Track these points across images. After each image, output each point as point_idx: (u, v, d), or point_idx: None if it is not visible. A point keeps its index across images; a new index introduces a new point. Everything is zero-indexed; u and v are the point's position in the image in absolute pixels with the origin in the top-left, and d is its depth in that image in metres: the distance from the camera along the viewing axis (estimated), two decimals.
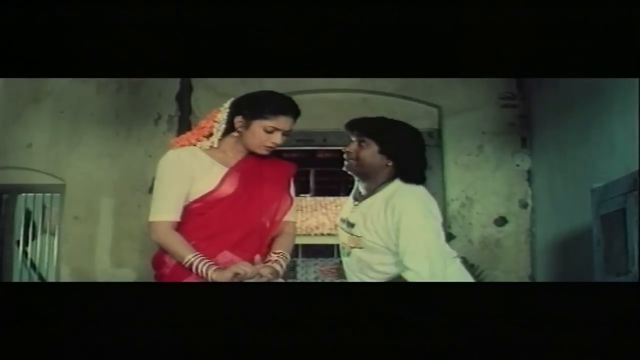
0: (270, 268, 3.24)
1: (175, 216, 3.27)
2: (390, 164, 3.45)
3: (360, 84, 6.40)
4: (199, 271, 3.16)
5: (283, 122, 3.28)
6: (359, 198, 3.54)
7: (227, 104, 3.35)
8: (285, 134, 3.32)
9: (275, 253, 3.34)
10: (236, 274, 3.14)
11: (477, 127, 6.48)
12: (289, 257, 3.37)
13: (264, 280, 3.20)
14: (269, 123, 3.26)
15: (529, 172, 6.39)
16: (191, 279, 3.20)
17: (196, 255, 3.19)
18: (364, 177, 3.51)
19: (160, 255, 3.32)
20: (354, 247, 3.46)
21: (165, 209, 3.28)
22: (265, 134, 3.27)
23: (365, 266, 3.44)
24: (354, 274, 3.51)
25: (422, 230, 3.33)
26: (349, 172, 3.54)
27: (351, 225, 3.48)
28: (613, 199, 4.11)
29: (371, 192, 3.49)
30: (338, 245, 3.70)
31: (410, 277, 3.27)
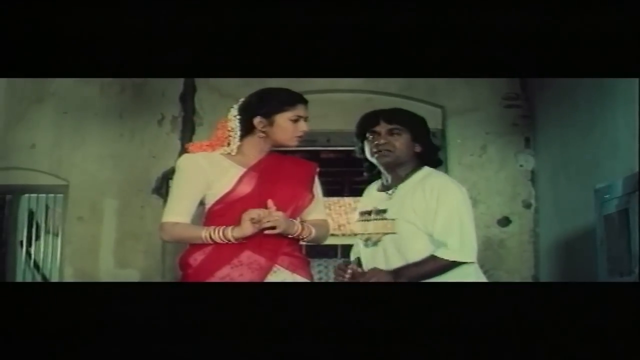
0: (285, 216, 3.28)
1: (183, 218, 3.32)
2: (418, 150, 3.55)
3: (364, 84, 6.40)
4: (220, 239, 3.23)
5: (301, 109, 3.36)
6: (386, 188, 3.59)
7: (235, 112, 3.38)
8: (305, 120, 3.38)
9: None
10: (252, 220, 3.20)
11: (481, 127, 6.47)
12: (313, 232, 3.40)
13: (274, 224, 3.22)
14: (291, 114, 3.33)
15: (532, 172, 6.39)
16: (213, 280, 3.24)
17: (208, 228, 3.27)
18: (395, 166, 3.56)
19: (185, 257, 3.35)
20: (387, 233, 3.46)
21: (174, 211, 3.34)
22: (292, 124, 3.34)
23: (394, 253, 3.45)
24: (380, 264, 3.48)
25: (459, 207, 3.42)
26: (381, 164, 3.57)
27: (382, 211, 3.51)
28: (616, 199, 4.11)
29: (401, 179, 3.54)
30: (341, 246, 3.72)
31: (443, 253, 3.34)
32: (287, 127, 3.33)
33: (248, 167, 3.34)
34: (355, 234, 3.71)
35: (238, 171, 3.33)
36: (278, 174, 3.39)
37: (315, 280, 3.55)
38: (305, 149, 6.22)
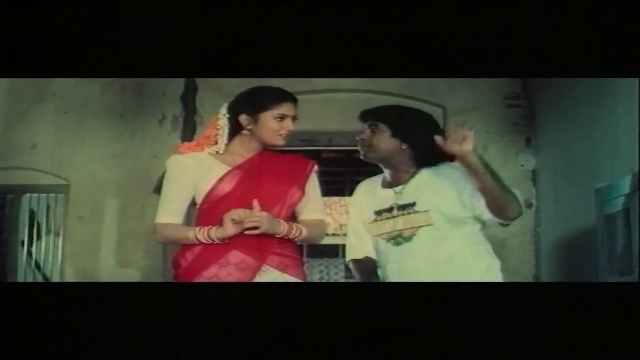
0: (268, 216, 3.26)
1: (174, 219, 3.35)
2: (404, 147, 3.43)
3: (365, 84, 6.39)
4: (204, 239, 3.25)
5: (286, 108, 3.35)
6: (391, 185, 3.49)
7: (224, 110, 3.39)
8: (293, 119, 3.37)
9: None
10: (233, 220, 3.20)
11: (482, 127, 6.46)
12: (304, 232, 3.37)
13: (256, 224, 3.21)
14: (275, 112, 3.32)
15: (533, 172, 6.39)
16: (201, 279, 3.24)
17: (194, 228, 3.30)
18: (384, 163, 3.50)
19: (177, 257, 3.37)
20: (422, 226, 3.36)
21: (164, 212, 3.38)
22: (277, 122, 3.33)
23: (431, 247, 3.36)
24: (417, 260, 3.39)
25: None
26: (368, 161, 3.51)
27: (409, 205, 3.40)
28: (617, 199, 4.11)
29: (408, 176, 3.46)
30: (343, 246, 3.68)
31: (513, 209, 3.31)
32: (271, 126, 3.32)
33: (233, 166, 3.35)
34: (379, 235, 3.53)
35: (221, 170, 3.34)
36: (266, 172, 3.37)
37: (317, 279, 3.53)
38: (306, 149, 6.24)
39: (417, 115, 3.62)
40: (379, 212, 3.50)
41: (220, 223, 3.24)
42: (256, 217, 3.21)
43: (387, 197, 3.49)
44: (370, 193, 3.59)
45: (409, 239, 3.40)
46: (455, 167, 3.37)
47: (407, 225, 3.40)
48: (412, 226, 3.39)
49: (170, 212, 3.36)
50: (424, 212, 3.37)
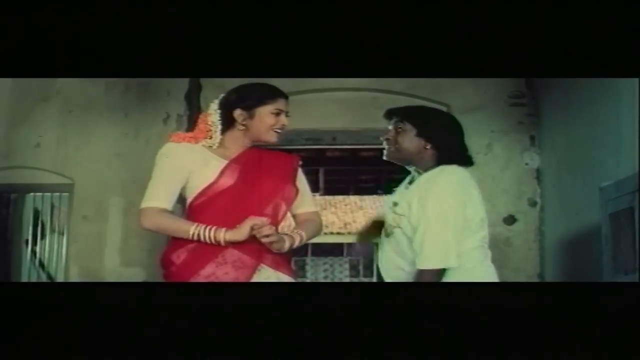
0: (275, 230, 3.25)
1: (165, 204, 3.28)
2: (428, 147, 3.40)
3: (369, 82, 6.38)
4: (208, 239, 3.19)
5: (282, 103, 3.37)
6: (410, 183, 3.49)
7: (215, 106, 3.39)
8: (286, 115, 3.38)
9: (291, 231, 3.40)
10: (255, 226, 3.17)
11: (486, 125, 6.46)
12: (304, 236, 3.40)
13: (265, 237, 3.19)
14: (272, 107, 3.34)
15: (537, 170, 6.39)
16: (198, 279, 3.22)
17: (198, 225, 3.21)
18: (407, 163, 3.47)
19: (167, 254, 3.32)
20: (395, 227, 3.37)
21: (156, 196, 3.30)
22: (273, 117, 3.34)
23: (398, 250, 3.36)
24: (387, 256, 3.44)
25: (447, 209, 3.25)
26: (391, 160, 3.49)
27: (395, 204, 3.41)
28: (621, 198, 4.11)
29: (418, 175, 3.43)
30: (347, 244, 3.69)
31: (418, 263, 3.21)
32: (267, 121, 3.33)
33: (230, 160, 3.34)
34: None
35: (220, 163, 3.33)
36: (260, 167, 3.38)
37: (321, 279, 3.53)
38: (311, 148, 6.24)
39: (442, 116, 3.70)
40: (392, 204, 3.51)
41: (213, 220, 3.23)
42: (278, 236, 3.22)
43: (398, 192, 3.54)
44: (400, 185, 3.62)
45: (387, 235, 3.44)
46: (453, 171, 3.38)
47: (390, 222, 3.43)
48: (392, 224, 3.41)
49: (163, 197, 3.29)
50: (399, 215, 3.38)
